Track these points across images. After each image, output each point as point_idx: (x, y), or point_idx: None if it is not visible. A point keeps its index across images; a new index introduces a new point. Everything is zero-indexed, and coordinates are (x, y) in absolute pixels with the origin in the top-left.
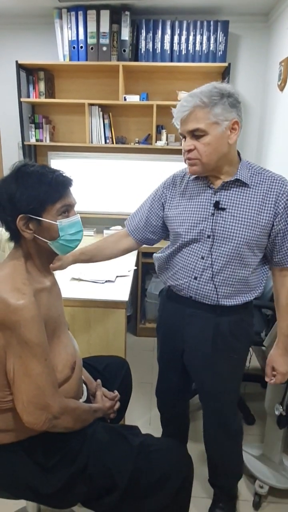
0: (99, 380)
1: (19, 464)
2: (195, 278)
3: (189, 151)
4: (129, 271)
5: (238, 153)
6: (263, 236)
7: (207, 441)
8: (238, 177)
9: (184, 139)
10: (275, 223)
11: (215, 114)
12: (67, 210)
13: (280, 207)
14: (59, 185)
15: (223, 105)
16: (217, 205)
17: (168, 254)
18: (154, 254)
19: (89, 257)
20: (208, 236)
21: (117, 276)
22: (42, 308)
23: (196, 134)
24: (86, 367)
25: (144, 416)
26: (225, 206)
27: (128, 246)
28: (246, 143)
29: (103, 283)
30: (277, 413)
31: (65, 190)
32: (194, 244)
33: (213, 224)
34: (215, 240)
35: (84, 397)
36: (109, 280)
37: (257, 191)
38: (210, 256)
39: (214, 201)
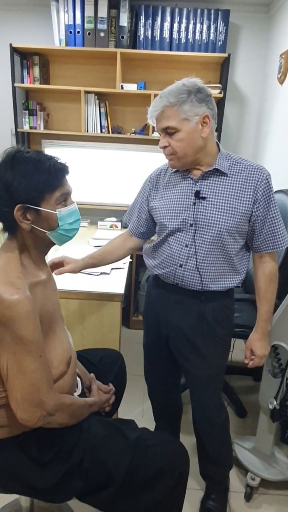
0: (92, 374)
1: (13, 459)
2: (181, 265)
3: (164, 147)
4: (124, 264)
5: (218, 145)
6: (243, 223)
7: (196, 431)
8: (216, 167)
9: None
10: (253, 210)
11: (184, 111)
12: (65, 198)
13: (258, 194)
14: (58, 173)
15: (191, 102)
16: (197, 195)
17: (155, 244)
18: (144, 246)
19: (98, 261)
20: (191, 225)
21: (112, 269)
22: (38, 303)
23: (169, 132)
24: (81, 360)
25: (136, 409)
26: (206, 195)
27: (133, 245)
28: (243, 136)
29: (98, 275)
30: (271, 407)
31: (63, 178)
32: (178, 233)
33: (195, 213)
34: (197, 229)
35: (79, 391)
36: (104, 272)
37: (236, 180)
38: (193, 244)
39: (195, 191)
